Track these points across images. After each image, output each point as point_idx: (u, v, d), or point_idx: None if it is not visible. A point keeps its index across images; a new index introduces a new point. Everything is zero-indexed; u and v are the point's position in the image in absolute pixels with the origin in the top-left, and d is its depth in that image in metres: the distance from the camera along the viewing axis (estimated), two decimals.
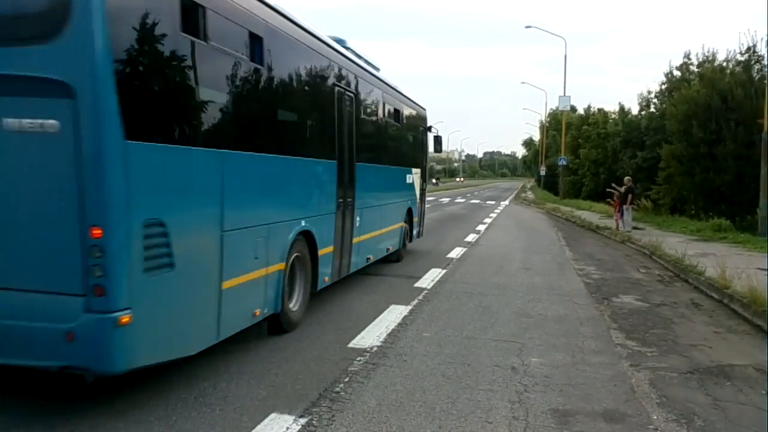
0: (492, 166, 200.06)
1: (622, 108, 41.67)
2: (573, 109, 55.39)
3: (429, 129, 13.88)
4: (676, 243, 14.06)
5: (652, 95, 34.72)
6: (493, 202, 39.60)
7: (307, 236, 6.47)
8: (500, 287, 9.16)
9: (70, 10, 3.47)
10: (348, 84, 8.03)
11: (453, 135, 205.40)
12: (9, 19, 3.66)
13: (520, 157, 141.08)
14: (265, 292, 5.53)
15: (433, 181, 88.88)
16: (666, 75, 31.64)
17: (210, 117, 4.67)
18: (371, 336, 6.08)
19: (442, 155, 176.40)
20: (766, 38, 21.68)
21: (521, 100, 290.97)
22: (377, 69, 10.22)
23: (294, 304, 6.31)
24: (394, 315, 7.02)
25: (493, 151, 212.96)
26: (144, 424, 3.86)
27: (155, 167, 3.93)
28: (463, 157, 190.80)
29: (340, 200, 7.58)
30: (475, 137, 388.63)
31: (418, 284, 9.07)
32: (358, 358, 5.35)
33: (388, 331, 6.30)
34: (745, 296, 7.85)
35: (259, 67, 5.40)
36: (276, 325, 5.94)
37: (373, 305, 7.50)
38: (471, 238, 16.33)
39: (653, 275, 11.05)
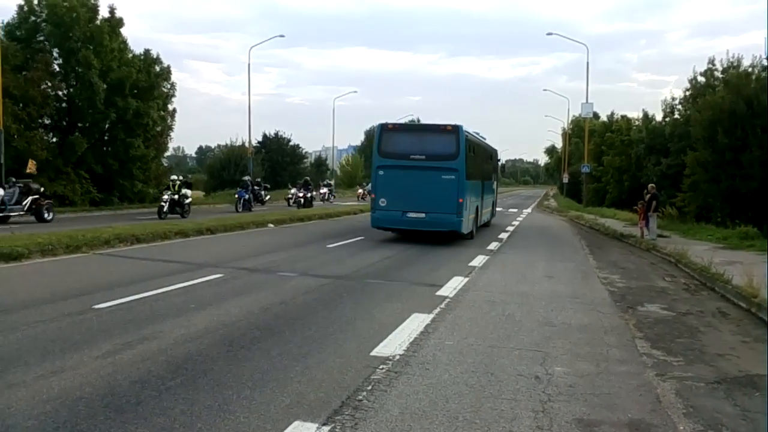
0: (514, 174, 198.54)
1: (645, 114, 41.33)
2: (596, 115, 55.08)
3: (499, 159, 29.42)
4: (702, 251, 13.88)
5: (677, 101, 34.42)
6: (515, 210, 39.40)
7: (476, 207, 18.92)
8: (523, 295, 9.11)
9: (458, 152, 16.21)
10: (483, 149, 21.44)
11: None
12: (446, 155, 16.21)
13: (542, 164, 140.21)
14: (473, 222, 18.11)
15: None
16: (690, 81, 31.37)
17: (477, 172, 18.87)
18: (393, 344, 6.09)
19: None
20: (766, 38, 21.53)
21: (543, 107, 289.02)
22: (485, 138, 22.91)
23: (474, 229, 18.58)
24: (416, 323, 7.02)
25: (515, 159, 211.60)
26: (168, 431, 3.89)
27: (468, 186, 16.89)
28: None
29: (485, 194, 20.89)
30: (497, 145, 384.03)
31: (440, 292, 9.05)
32: (381, 367, 5.36)
33: (411, 340, 6.30)
34: None
35: (478, 154, 19.23)
36: (470, 235, 17.98)
37: (394, 313, 7.51)
38: (493, 246, 16.27)
39: (679, 284, 10.91)
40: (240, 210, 28.41)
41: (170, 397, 4.44)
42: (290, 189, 37.53)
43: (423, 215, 16.21)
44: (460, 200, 16.11)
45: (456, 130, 16.39)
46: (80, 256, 11.82)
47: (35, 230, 15.11)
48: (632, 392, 5.01)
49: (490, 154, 24.29)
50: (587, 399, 4.80)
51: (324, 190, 44.35)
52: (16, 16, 31.71)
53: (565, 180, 56.35)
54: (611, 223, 24.88)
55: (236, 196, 30.38)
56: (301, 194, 34.65)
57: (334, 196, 47.16)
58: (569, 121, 68.33)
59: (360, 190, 50.42)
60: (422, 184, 16.08)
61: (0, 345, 5.63)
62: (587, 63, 41.18)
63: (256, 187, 33.58)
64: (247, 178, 33.30)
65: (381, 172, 16.84)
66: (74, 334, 6.09)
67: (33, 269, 10.30)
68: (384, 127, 17.17)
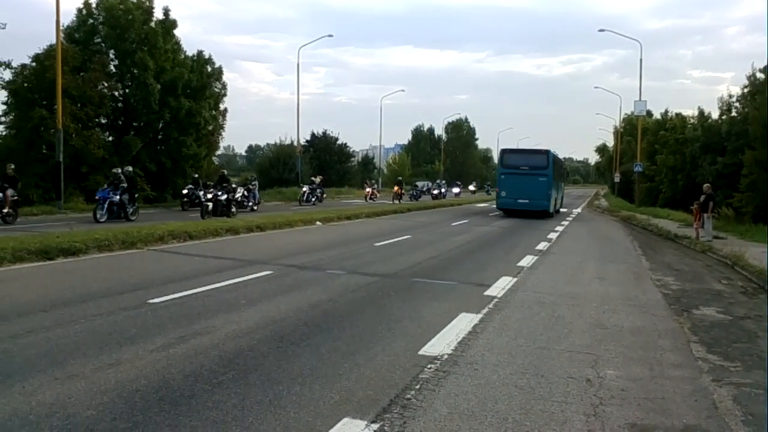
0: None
1: (701, 112, 40.26)
2: (649, 113, 53.81)
3: (565, 166, 46.29)
4: (759, 253, 13.43)
5: (734, 99, 33.40)
6: (564, 210, 38.79)
7: (555, 198, 30.91)
8: (573, 297, 8.97)
9: (547, 165, 28.68)
10: (559, 162, 35.25)
11: (522, 141, 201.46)
12: (541, 167, 28.55)
13: (592, 163, 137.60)
14: (553, 206, 30.24)
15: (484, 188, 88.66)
16: (748, 78, 30.44)
17: (556, 177, 30.66)
18: (441, 344, 6.07)
19: None
20: (766, 37, 20.69)
21: (594, 105, 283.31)
22: (557, 153, 35.61)
23: (553, 210, 30.74)
24: (464, 323, 6.98)
25: (565, 158, 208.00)
26: (221, 425, 3.97)
27: (552, 185, 29.20)
28: None
29: (559, 190, 34.06)
30: (546, 143, 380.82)
31: (488, 292, 8.98)
32: (429, 366, 5.35)
33: (459, 339, 6.27)
34: None
35: (557, 166, 31.93)
36: (552, 214, 29.64)
37: (442, 313, 7.48)
38: (542, 246, 16.06)
39: (736, 286, 10.58)
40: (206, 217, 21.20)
41: (222, 392, 4.53)
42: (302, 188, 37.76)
43: (527, 201, 28.10)
44: (548, 192, 28.56)
45: (546, 152, 29.94)
46: (135, 252, 12.15)
47: (92, 227, 15.61)
48: (687, 398, 4.88)
49: (561, 164, 39.15)
50: (640, 403, 4.69)
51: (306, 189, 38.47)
52: (75, 19, 32.78)
53: (617, 179, 55.29)
54: (665, 223, 24.28)
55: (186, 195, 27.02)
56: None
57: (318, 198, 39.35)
58: (621, 119, 67.01)
59: (368, 189, 44.66)
60: (526, 183, 28.05)
61: (60, 337, 5.83)
62: (640, 60, 39.98)
63: (251, 186, 29.98)
64: (235, 178, 33.20)
65: (503, 176, 29.18)
66: (130, 327, 6.27)
67: (90, 264, 10.64)
68: (505, 150, 31.53)
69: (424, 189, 68.68)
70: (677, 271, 12.40)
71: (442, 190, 55.96)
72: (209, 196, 22.61)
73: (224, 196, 22.91)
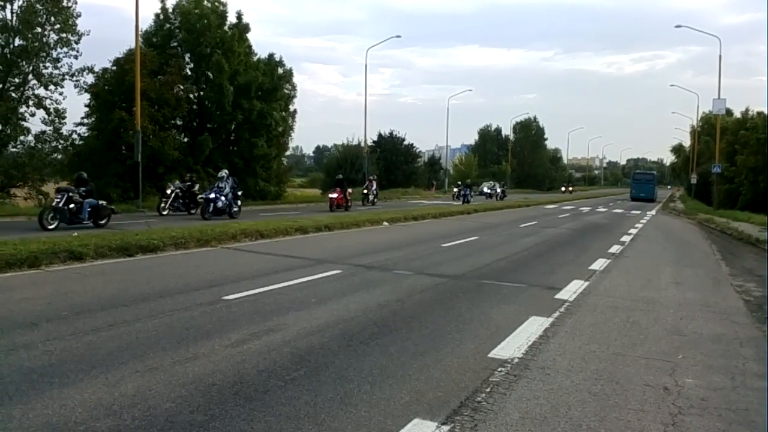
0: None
1: None
2: (728, 112, 51.56)
3: (654, 174, 77.17)
4: None
5: None
6: (638, 212, 37.65)
7: (655, 191, 66.38)
8: (649, 302, 8.69)
9: (653, 178, 70.52)
10: (656, 177, 76.30)
11: (594, 141, 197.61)
12: (650, 179, 68.18)
13: (668, 164, 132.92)
14: (655, 196, 64.22)
15: (562, 189, 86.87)
16: None
17: (654, 182, 69.84)
18: (511, 347, 5.99)
19: (582, 162, 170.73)
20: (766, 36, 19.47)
21: (668, 103, 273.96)
22: (653, 170, 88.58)
23: (655, 198, 62.61)
24: (534, 326, 6.87)
25: (638, 158, 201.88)
26: (294, 421, 4.03)
27: (655, 187, 67.72)
28: (605, 164, 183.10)
29: (655, 188, 68.19)
30: (618, 143, 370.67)
31: (559, 296, 8.81)
32: (499, 369, 5.29)
33: (529, 343, 6.17)
34: None
35: (654, 177, 72.11)
36: (655, 201, 60.49)
37: (512, 315, 7.39)
38: (615, 249, 15.63)
39: None
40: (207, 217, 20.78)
41: (295, 388, 4.61)
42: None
43: (643, 194, 61.03)
44: (654, 190, 64.96)
45: (653, 173, 75.71)
46: (209, 250, 12.52)
47: (168, 224, 16.17)
48: None
49: (654, 175, 74.33)
50: (722, 414, 4.50)
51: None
52: (153, 24, 34.04)
53: (693, 180, 53.36)
54: (745, 227, 23.22)
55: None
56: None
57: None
58: (698, 119, 64.52)
59: (332, 195, 30.00)
60: (644, 187, 63.86)
61: (140, 331, 6.07)
62: (719, 56, 38.43)
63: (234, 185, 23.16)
64: (302, 178, 33.04)
65: (635, 183, 67.21)
66: (206, 323, 6.46)
67: (167, 261, 11.02)
68: (635, 172, 77.87)
69: (492, 191, 68.11)
70: (759, 276, 11.84)
71: (498, 190, 57.63)
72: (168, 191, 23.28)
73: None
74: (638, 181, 66.89)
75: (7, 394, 4.28)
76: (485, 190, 58.93)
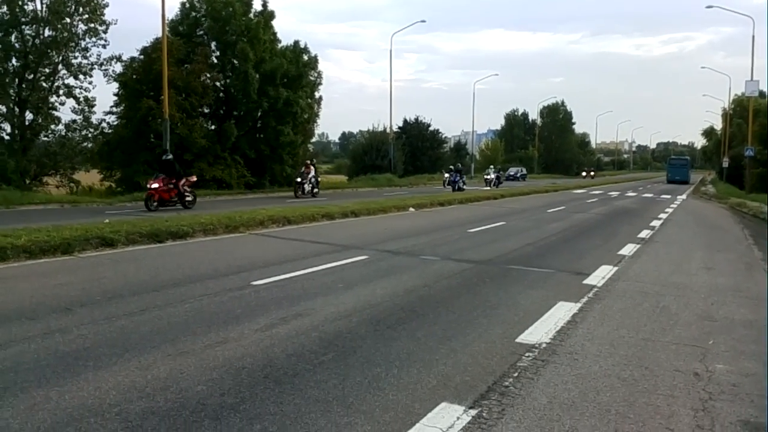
0: (666, 158, 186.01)
1: None
2: (761, 94, 50.40)
3: (688, 159, 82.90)
4: None
5: None
6: (668, 196, 37.10)
7: (689, 174, 72.00)
8: (679, 287, 8.58)
9: (687, 162, 77.50)
10: (689, 162, 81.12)
11: (622, 125, 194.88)
12: (684, 162, 75.65)
13: (698, 147, 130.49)
14: (690, 179, 69.91)
15: (583, 174, 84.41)
16: None
17: (688, 166, 76.84)
18: (539, 332, 5.97)
19: (610, 146, 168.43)
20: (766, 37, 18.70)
21: (699, 86, 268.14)
22: (686, 156, 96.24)
23: (690, 181, 68.80)
24: (562, 312, 6.83)
25: (668, 142, 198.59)
26: (323, 404, 4.08)
27: (689, 170, 73.31)
28: (634, 148, 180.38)
29: (689, 171, 73.99)
30: (648, 127, 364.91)
31: (587, 281, 8.74)
32: (527, 354, 5.28)
33: (557, 328, 6.15)
34: None
35: (688, 162, 78.26)
36: (689, 183, 65.07)
37: (540, 300, 7.35)
38: (644, 234, 15.43)
39: None
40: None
41: (323, 372, 4.66)
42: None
43: (678, 177, 66.80)
44: (689, 174, 71.08)
45: (687, 158, 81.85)
46: (238, 236, 12.65)
47: (198, 211, 16.35)
48: None
49: (688, 160, 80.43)
50: (754, 400, 4.44)
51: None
52: (179, 12, 34.27)
53: (725, 164, 52.26)
54: None
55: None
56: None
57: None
58: (730, 101, 63.16)
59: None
60: (678, 169, 70.06)
61: (171, 315, 6.17)
62: (753, 37, 37.54)
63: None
64: (328, 165, 33.00)
65: (670, 167, 73.19)
66: (235, 308, 6.54)
67: (197, 247, 11.17)
68: (671, 158, 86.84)
69: (518, 175, 67.31)
70: None
71: (492, 176, 48.02)
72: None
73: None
74: (674, 165, 74.10)
75: (44, 377, 4.40)
76: (486, 177, 48.73)
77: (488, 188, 41.03)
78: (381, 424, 3.81)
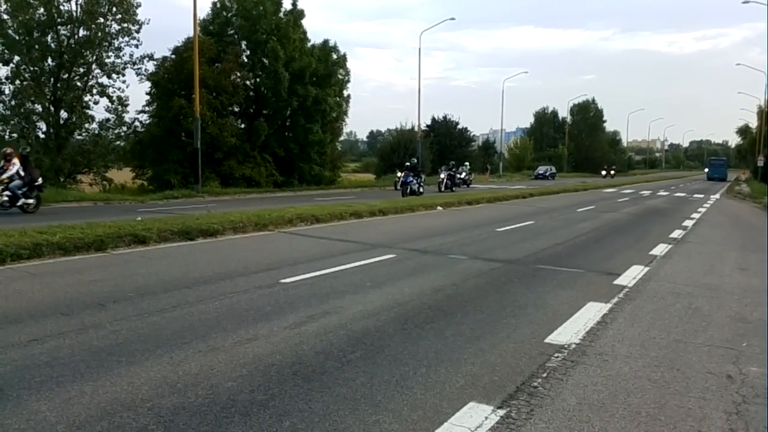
0: (699, 156, 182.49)
1: None
2: None
3: (724, 159, 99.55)
4: None
5: None
6: (701, 196, 36.46)
7: (725, 173, 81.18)
8: (712, 288, 8.43)
9: (724, 162, 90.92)
10: (726, 161, 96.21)
11: (655, 123, 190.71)
12: (722, 163, 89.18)
13: (733, 146, 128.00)
14: (726, 177, 77.85)
15: (602, 173, 79.35)
16: None
17: (725, 165, 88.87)
18: (568, 332, 5.92)
19: (642, 145, 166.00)
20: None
21: (734, 83, 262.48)
22: (721, 154, 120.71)
23: (726, 178, 76.32)
24: (592, 312, 6.77)
25: (701, 140, 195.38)
26: (351, 402, 4.11)
27: (725, 169, 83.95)
28: (666, 147, 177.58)
29: (726, 170, 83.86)
30: (681, 125, 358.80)
31: (618, 281, 8.64)
32: (556, 354, 5.24)
33: (587, 329, 6.09)
34: None
35: (725, 162, 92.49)
36: (725, 180, 71.90)
37: (569, 301, 7.29)
38: (676, 234, 15.20)
39: None
40: None
41: (351, 370, 4.69)
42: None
43: (717, 175, 76.36)
44: (726, 172, 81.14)
45: (724, 159, 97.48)
46: (267, 234, 12.76)
47: (228, 209, 16.53)
48: None
49: (725, 160, 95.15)
50: None
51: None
52: (210, 12, 34.64)
53: (760, 163, 51.23)
54: None
55: None
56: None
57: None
58: (766, 98, 61.88)
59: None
60: (717, 168, 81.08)
61: (202, 312, 6.26)
62: None
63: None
64: (355, 163, 32.90)
65: (710, 167, 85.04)
66: (265, 305, 6.61)
67: (227, 245, 11.29)
68: (711, 158, 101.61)
69: (547, 174, 66.67)
70: None
71: (462, 175, 41.59)
72: None
73: None
74: (713, 165, 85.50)
75: (78, 372, 4.50)
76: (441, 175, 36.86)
77: (442, 192, 32.72)
78: (409, 423, 3.82)
